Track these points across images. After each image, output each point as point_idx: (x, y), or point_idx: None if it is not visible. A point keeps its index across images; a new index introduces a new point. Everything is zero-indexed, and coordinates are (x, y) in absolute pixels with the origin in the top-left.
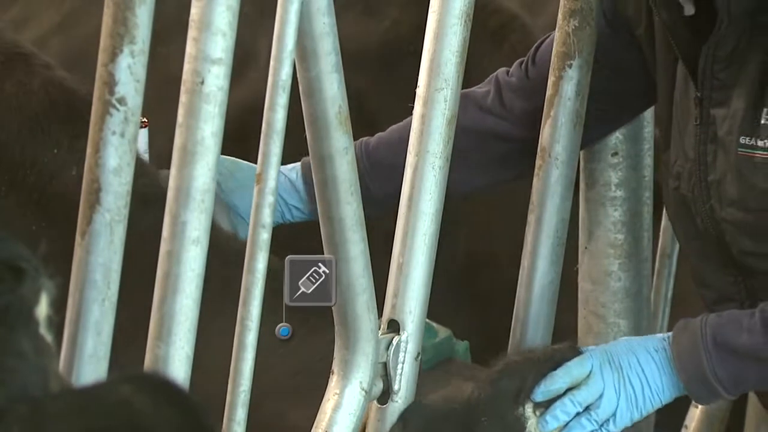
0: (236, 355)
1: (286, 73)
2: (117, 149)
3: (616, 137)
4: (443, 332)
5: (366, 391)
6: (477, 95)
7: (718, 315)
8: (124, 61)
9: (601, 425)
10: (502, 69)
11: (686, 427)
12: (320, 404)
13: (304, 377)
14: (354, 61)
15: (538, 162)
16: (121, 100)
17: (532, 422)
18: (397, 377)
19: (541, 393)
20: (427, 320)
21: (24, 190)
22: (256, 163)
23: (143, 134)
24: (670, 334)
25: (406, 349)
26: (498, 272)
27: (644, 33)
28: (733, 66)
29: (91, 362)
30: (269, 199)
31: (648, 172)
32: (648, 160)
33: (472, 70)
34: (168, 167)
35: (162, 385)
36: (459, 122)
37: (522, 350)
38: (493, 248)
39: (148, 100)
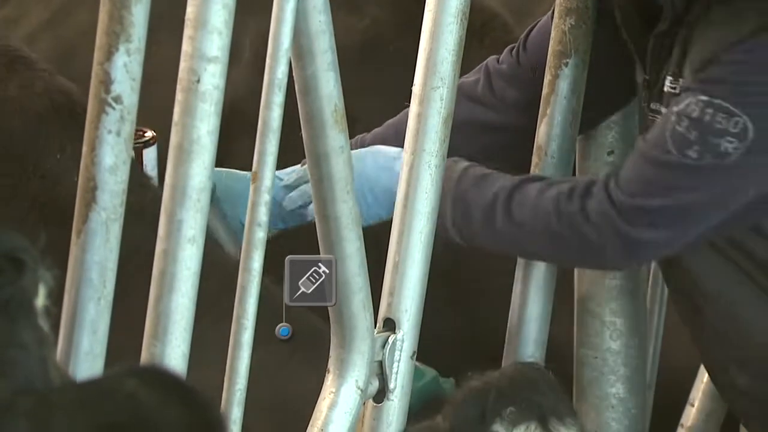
0: (232, 354)
1: (282, 71)
2: (113, 148)
3: (612, 135)
4: (429, 373)
5: (362, 390)
6: (466, 85)
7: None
8: (120, 59)
9: None
10: (492, 57)
11: (682, 425)
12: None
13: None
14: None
15: (534, 160)
16: (117, 99)
17: None
18: (393, 376)
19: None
20: (416, 362)
21: (28, 195)
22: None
23: (152, 152)
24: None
25: (401, 347)
26: (490, 267)
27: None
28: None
29: (86, 360)
30: (265, 197)
31: None
32: None
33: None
34: None
35: (167, 378)
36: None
37: (480, 375)
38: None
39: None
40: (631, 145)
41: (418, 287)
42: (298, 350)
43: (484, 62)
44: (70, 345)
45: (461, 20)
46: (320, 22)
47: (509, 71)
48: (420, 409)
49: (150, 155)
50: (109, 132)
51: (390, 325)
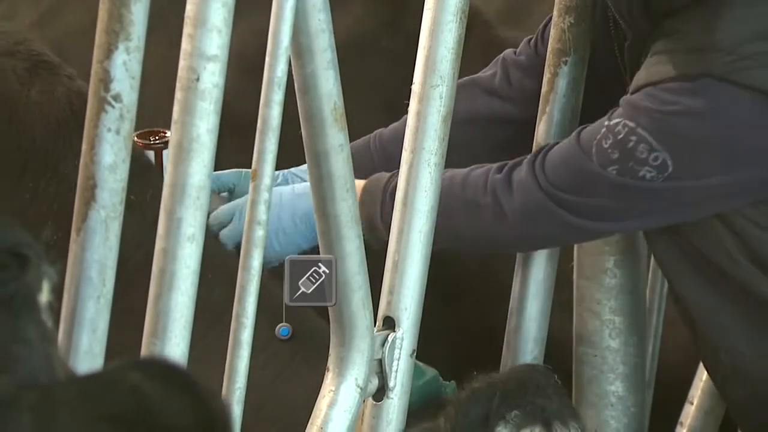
0: (231, 352)
1: (281, 69)
2: (112, 146)
3: None
4: (430, 372)
5: (361, 388)
6: (483, 80)
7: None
8: (120, 57)
9: None
10: (509, 50)
11: (681, 423)
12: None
13: None
14: None
15: None
16: (117, 97)
17: None
18: (393, 374)
19: None
20: (416, 361)
21: (45, 200)
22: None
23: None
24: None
25: (401, 345)
26: (486, 266)
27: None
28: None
29: (86, 359)
30: (265, 195)
31: None
32: None
33: None
34: None
35: (170, 370)
36: (467, 110)
37: (484, 376)
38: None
39: None
40: None
41: (417, 285)
42: (299, 349)
43: (500, 55)
44: (69, 343)
45: (461, 19)
46: (320, 21)
47: (527, 62)
48: (420, 408)
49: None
50: (109, 130)
51: (390, 324)
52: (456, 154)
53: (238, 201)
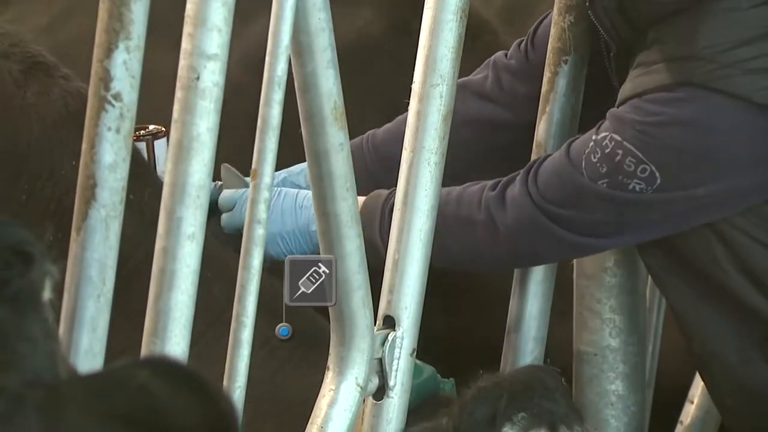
0: (231, 352)
1: (281, 68)
2: (112, 145)
3: None
4: (428, 370)
5: (361, 387)
6: (474, 83)
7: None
8: (120, 56)
9: None
10: (500, 52)
11: (681, 422)
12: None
13: None
14: None
15: (533, 157)
16: (117, 96)
17: None
18: (393, 373)
19: None
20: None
21: (42, 201)
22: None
23: (163, 144)
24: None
25: (401, 345)
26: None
27: None
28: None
29: (86, 358)
30: (265, 194)
31: None
32: None
33: None
34: None
35: (178, 369)
36: (458, 113)
37: (490, 375)
38: None
39: None
40: None
41: (417, 285)
42: (299, 348)
43: (491, 58)
44: (69, 342)
45: (461, 18)
46: (320, 20)
47: (518, 66)
48: (418, 405)
49: (161, 147)
50: (109, 129)
51: (390, 323)
52: (449, 155)
53: (242, 191)
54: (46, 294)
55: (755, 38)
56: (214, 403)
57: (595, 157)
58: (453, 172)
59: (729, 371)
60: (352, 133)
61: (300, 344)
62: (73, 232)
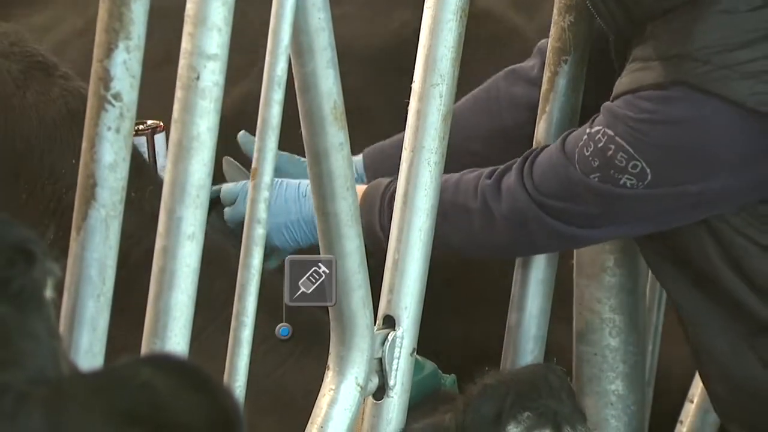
0: (231, 351)
1: (281, 68)
2: (112, 145)
3: None
4: (429, 366)
5: (361, 387)
6: (522, 70)
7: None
8: (120, 56)
9: None
10: (545, 39)
11: (681, 422)
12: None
13: None
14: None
15: None
16: (117, 96)
17: None
18: (393, 373)
19: None
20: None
21: (42, 200)
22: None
23: (162, 138)
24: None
25: (401, 344)
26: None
27: None
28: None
29: (86, 358)
30: (264, 194)
31: None
32: None
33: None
34: None
35: (182, 365)
36: (505, 98)
37: (495, 372)
38: None
39: None
40: None
41: (417, 284)
42: (299, 347)
43: (537, 45)
44: (69, 342)
45: (461, 17)
46: (320, 20)
47: None
48: (419, 402)
49: (160, 141)
50: (109, 129)
51: (390, 323)
52: (480, 143)
53: (242, 183)
54: (49, 292)
55: (752, 41)
56: (217, 399)
57: (587, 151)
58: (511, 154)
59: (720, 360)
60: (375, 133)
61: (301, 340)
62: (73, 231)
